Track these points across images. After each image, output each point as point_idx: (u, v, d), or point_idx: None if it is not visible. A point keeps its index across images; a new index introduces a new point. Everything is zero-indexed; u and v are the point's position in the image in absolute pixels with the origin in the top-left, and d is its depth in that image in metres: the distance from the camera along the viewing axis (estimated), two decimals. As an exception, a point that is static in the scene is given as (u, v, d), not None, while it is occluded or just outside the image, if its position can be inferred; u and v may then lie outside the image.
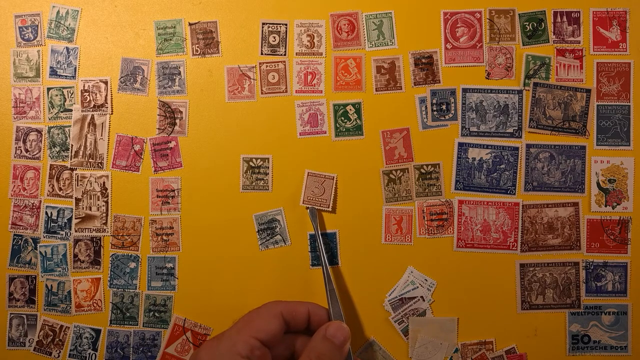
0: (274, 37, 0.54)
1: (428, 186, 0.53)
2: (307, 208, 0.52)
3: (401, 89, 0.53)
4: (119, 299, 0.54)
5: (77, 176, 0.55)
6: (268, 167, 0.54)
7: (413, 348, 0.53)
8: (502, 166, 0.53)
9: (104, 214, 0.54)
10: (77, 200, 0.55)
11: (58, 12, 0.55)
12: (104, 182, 0.55)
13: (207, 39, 0.54)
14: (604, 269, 0.52)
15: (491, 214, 0.53)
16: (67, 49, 0.55)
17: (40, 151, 0.55)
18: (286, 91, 0.54)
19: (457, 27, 0.53)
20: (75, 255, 0.55)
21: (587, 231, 0.52)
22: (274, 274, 0.53)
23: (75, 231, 0.55)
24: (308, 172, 0.53)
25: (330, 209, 0.53)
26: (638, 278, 0.52)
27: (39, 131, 0.55)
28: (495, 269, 0.53)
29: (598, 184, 0.52)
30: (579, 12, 0.53)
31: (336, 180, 0.53)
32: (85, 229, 0.55)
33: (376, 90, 0.53)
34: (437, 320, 0.53)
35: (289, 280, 0.53)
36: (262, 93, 0.54)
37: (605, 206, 0.52)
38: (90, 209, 0.55)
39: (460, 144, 0.53)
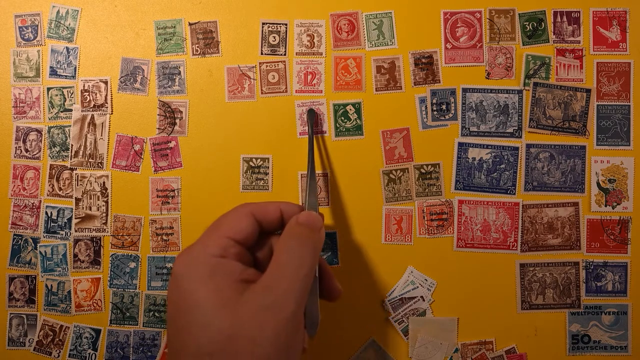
0: (274, 37, 0.54)
1: (428, 186, 0.53)
2: (307, 110, 0.52)
3: (401, 88, 0.53)
4: (119, 299, 0.54)
5: (77, 176, 0.55)
6: (268, 167, 0.54)
7: (413, 348, 0.53)
8: (502, 166, 0.53)
9: (104, 214, 0.54)
10: (77, 200, 0.55)
11: (58, 12, 0.55)
12: (104, 182, 0.55)
13: (207, 39, 0.54)
14: (604, 269, 0.52)
15: (491, 214, 0.53)
16: (67, 48, 0.55)
17: (40, 151, 0.55)
18: (286, 91, 0.54)
19: (457, 27, 0.53)
20: (75, 255, 0.55)
21: (587, 231, 0.52)
22: (274, 273, 0.53)
23: (75, 231, 0.55)
24: (301, 174, 0.53)
25: (329, 206, 0.53)
26: (638, 278, 0.52)
27: (39, 131, 0.55)
28: (495, 269, 0.53)
29: (598, 184, 0.52)
30: (579, 12, 0.53)
31: (330, 177, 0.53)
32: (85, 228, 0.55)
33: (376, 90, 0.53)
34: (437, 320, 0.53)
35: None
36: (262, 93, 0.54)
37: (605, 206, 0.52)
38: (90, 209, 0.55)
39: (460, 144, 0.53)
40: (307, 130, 0.53)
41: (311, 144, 0.49)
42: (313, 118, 0.52)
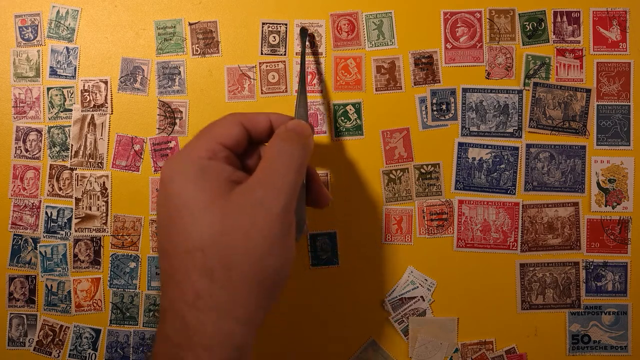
0: (274, 37, 0.54)
1: (428, 186, 0.53)
2: (300, 29, 0.52)
3: (401, 88, 0.53)
4: (119, 299, 0.54)
5: (77, 176, 0.55)
6: (268, 167, 0.54)
7: (413, 348, 0.53)
8: (502, 166, 0.53)
9: (104, 214, 0.54)
10: (77, 200, 0.55)
11: (58, 12, 0.55)
12: (104, 182, 0.55)
13: (207, 39, 0.54)
14: (604, 269, 0.52)
15: (491, 214, 0.53)
16: (67, 48, 0.55)
17: (40, 151, 0.55)
18: (286, 91, 0.54)
19: (457, 27, 0.53)
20: (75, 255, 0.55)
21: (587, 231, 0.52)
22: (274, 273, 0.53)
23: (75, 231, 0.55)
24: None
25: (330, 206, 0.53)
26: (638, 278, 0.52)
27: (39, 131, 0.55)
28: (495, 269, 0.53)
29: (598, 184, 0.52)
30: (579, 12, 0.53)
31: (330, 177, 0.53)
32: (85, 228, 0.55)
33: (376, 90, 0.53)
34: (437, 320, 0.53)
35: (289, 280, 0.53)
36: (262, 93, 0.54)
37: (605, 206, 0.52)
38: (90, 209, 0.55)
39: (460, 144, 0.53)
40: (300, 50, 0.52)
41: (303, 59, 0.48)
42: (306, 36, 0.51)
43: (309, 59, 0.54)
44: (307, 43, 0.53)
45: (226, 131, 0.36)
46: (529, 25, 0.53)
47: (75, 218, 0.55)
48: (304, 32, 0.51)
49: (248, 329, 0.32)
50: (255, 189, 0.33)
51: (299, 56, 0.53)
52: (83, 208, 0.55)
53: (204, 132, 0.36)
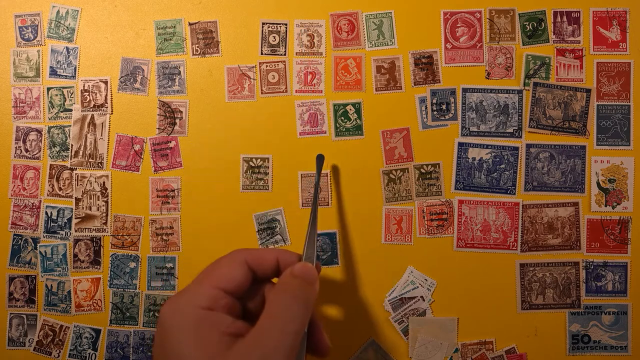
0: (274, 37, 0.54)
1: (428, 186, 0.53)
2: (317, 156, 0.51)
3: (401, 88, 0.53)
4: (119, 298, 0.54)
5: (77, 176, 0.55)
6: (268, 167, 0.54)
7: (413, 348, 0.53)
8: (502, 166, 0.53)
9: (104, 214, 0.54)
10: (77, 200, 0.55)
11: (58, 12, 0.55)
12: (104, 182, 0.55)
13: (207, 39, 0.54)
14: (604, 269, 0.52)
15: (491, 214, 0.53)
16: (67, 48, 0.55)
17: (40, 151, 0.55)
18: (286, 91, 0.54)
19: (457, 27, 0.53)
20: (75, 255, 0.55)
21: (587, 231, 0.52)
22: (274, 273, 0.53)
23: (75, 231, 0.55)
24: (301, 174, 0.53)
25: (330, 206, 0.53)
26: (638, 278, 0.52)
27: (39, 131, 0.55)
28: (495, 269, 0.53)
29: (598, 184, 0.52)
30: (579, 12, 0.53)
31: (331, 176, 0.53)
32: (85, 228, 0.55)
33: (376, 90, 0.53)
34: (437, 320, 0.53)
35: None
36: (262, 93, 0.54)
37: (605, 206, 0.52)
38: (90, 209, 0.55)
39: (460, 144, 0.53)
40: (315, 171, 0.52)
41: (316, 191, 0.48)
42: (322, 164, 0.51)
43: (310, 58, 0.54)
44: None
45: (229, 273, 0.35)
46: (529, 25, 0.53)
47: (75, 218, 0.55)
48: (320, 158, 0.50)
49: None
50: (253, 349, 0.32)
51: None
52: (83, 208, 0.55)
53: (207, 274, 0.36)
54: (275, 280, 0.38)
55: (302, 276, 0.36)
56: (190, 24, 0.55)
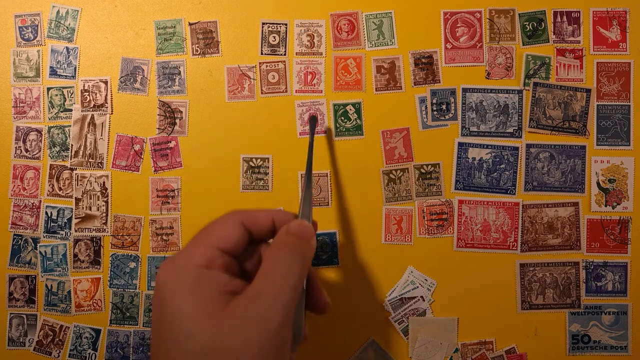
0: (274, 37, 0.54)
1: (428, 186, 0.53)
2: (309, 117, 0.51)
3: (401, 88, 0.53)
4: (119, 298, 0.54)
5: (77, 176, 0.55)
6: (268, 167, 0.54)
7: (413, 348, 0.53)
8: (502, 166, 0.53)
9: (104, 214, 0.54)
10: (77, 200, 0.55)
11: (58, 12, 0.55)
12: (104, 182, 0.55)
13: (207, 39, 0.54)
14: (604, 269, 0.52)
15: (491, 214, 0.53)
16: (67, 48, 0.55)
17: (40, 151, 0.55)
18: (286, 91, 0.54)
19: (457, 27, 0.53)
20: (75, 255, 0.55)
21: (587, 231, 0.52)
22: (274, 273, 0.53)
23: (75, 231, 0.55)
24: (301, 174, 0.53)
25: (330, 206, 0.53)
26: (638, 278, 0.52)
27: (39, 131, 0.55)
28: (495, 269, 0.53)
29: (598, 184, 0.52)
30: (579, 12, 0.53)
31: (330, 176, 0.53)
32: (85, 228, 0.55)
33: (376, 90, 0.53)
34: (437, 320, 0.53)
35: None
36: (262, 93, 0.54)
37: (605, 206, 0.52)
38: (90, 209, 0.55)
39: (460, 144, 0.53)
40: (308, 131, 0.53)
41: (311, 151, 0.48)
42: (315, 125, 0.51)
43: (310, 58, 0.54)
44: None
45: (226, 233, 0.35)
46: (529, 25, 0.53)
47: (75, 218, 0.55)
48: (312, 120, 0.51)
49: None
50: (250, 305, 0.32)
51: (308, 135, 0.52)
52: (83, 208, 0.55)
53: (203, 234, 0.36)
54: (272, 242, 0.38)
55: (298, 233, 0.36)
56: (190, 24, 0.55)
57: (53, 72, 0.55)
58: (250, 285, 0.33)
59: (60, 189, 0.55)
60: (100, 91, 0.55)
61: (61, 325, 0.55)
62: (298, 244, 0.35)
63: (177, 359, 0.31)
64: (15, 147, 0.55)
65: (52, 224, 0.55)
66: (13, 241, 0.55)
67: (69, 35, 0.55)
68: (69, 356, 0.54)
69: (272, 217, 0.38)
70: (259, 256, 0.38)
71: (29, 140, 0.55)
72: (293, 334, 0.35)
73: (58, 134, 0.55)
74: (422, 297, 0.53)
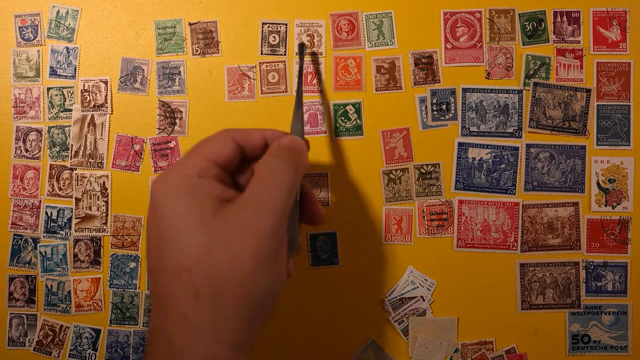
0: (274, 37, 0.54)
1: (428, 186, 0.53)
2: (298, 44, 0.52)
3: (401, 88, 0.53)
4: (119, 298, 0.54)
5: (77, 176, 0.55)
6: (268, 167, 0.54)
7: (413, 348, 0.53)
8: (502, 166, 0.53)
9: (104, 214, 0.54)
10: (77, 200, 0.55)
11: (58, 12, 0.55)
12: (104, 182, 0.55)
13: (207, 39, 0.54)
14: (604, 269, 0.52)
15: (491, 214, 0.53)
16: (67, 48, 0.55)
17: (40, 151, 0.55)
18: (286, 91, 0.54)
19: (457, 27, 0.53)
20: (75, 255, 0.55)
21: (587, 231, 0.52)
22: (274, 273, 0.53)
23: (75, 231, 0.55)
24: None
25: (330, 206, 0.53)
26: (638, 278, 0.52)
27: (39, 131, 0.55)
28: (495, 269, 0.53)
29: (598, 184, 0.52)
30: (579, 12, 0.53)
31: (330, 176, 0.53)
32: (85, 228, 0.55)
33: (376, 90, 0.53)
34: (437, 320, 0.53)
35: (288, 279, 0.53)
36: (262, 93, 0.54)
37: (605, 206, 0.52)
38: (90, 209, 0.55)
39: (460, 144, 0.53)
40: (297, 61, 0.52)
41: (300, 73, 0.48)
42: (303, 51, 0.51)
43: (310, 58, 0.54)
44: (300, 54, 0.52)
45: (218, 148, 0.36)
46: (529, 25, 0.53)
47: (75, 218, 0.55)
48: (302, 47, 0.51)
49: (236, 353, 0.31)
50: (244, 208, 0.32)
51: (298, 68, 0.53)
52: (83, 208, 0.55)
53: (195, 149, 0.36)
54: None
55: (290, 146, 0.36)
56: (190, 24, 0.55)
57: (53, 72, 0.55)
58: (244, 192, 0.33)
59: (60, 189, 0.55)
60: (100, 91, 0.55)
61: (61, 325, 0.55)
62: (291, 154, 0.35)
63: (172, 267, 0.31)
64: (15, 147, 0.55)
65: (52, 224, 0.55)
66: (13, 241, 0.55)
67: (69, 35, 0.55)
68: (69, 356, 0.54)
69: (264, 134, 0.38)
70: (252, 172, 0.38)
71: (29, 140, 0.55)
72: (288, 242, 0.35)
73: (58, 134, 0.55)
74: (422, 297, 0.53)
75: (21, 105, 0.55)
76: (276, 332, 0.53)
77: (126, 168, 0.55)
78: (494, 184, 0.53)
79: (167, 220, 0.32)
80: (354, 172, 0.53)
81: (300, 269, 0.53)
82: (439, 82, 0.53)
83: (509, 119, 0.53)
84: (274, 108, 0.54)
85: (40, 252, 0.55)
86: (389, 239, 0.53)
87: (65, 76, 0.55)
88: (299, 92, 0.45)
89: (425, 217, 0.53)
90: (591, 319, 0.52)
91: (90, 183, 0.55)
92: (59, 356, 0.55)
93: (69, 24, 0.55)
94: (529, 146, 0.53)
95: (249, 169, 0.38)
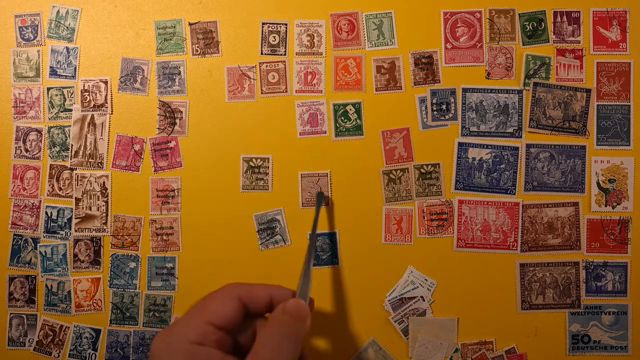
0: (274, 37, 0.54)
1: (428, 186, 0.53)
2: (317, 191, 0.52)
3: (401, 88, 0.53)
4: (119, 298, 0.54)
5: (77, 176, 0.55)
6: (268, 167, 0.54)
7: (413, 348, 0.53)
8: (502, 166, 0.53)
9: (104, 214, 0.54)
10: (77, 200, 0.55)
11: (58, 12, 0.55)
12: (104, 182, 0.55)
13: (207, 39, 0.54)
14: (604, 269, 0.52)
15: (491, 214, 0.53)
16: (67, 48, 0.55)
17: (40, 151, 0.55)
18: (286, 91, 0.54)
19: (457, 27, 0.53)
20: (75, 255, 0.55)
21: (587, 231, 0.52)
22: (274, 273, 0.53)
23: (75, 231, 0.55)
24: (302, 174, 0.53)
25: (329, 205, 0.53)
26: (638, 278, 0.52)
27: (39, 131, 0.55)
28: (495, 269, 0.53)
29: (598, 184, 0.52)
30: (579, 12, 0.53)
31: (330, 176, 0.53)
32: (85, 228, 0.55)
33: (376, 90, 0.53)
34: (437, 320, 0.53)
35: (288, 280, 0.53)
36: (262, 93, 0.54)
37: (605, 206, 0.52)
38: (90, 209, 0.55)
39: (460, 144, 0.53)
40: (314, 203, 0.52)
41: (315, 226, 0.48)
42: (321, 200, 0.51)
43: (309, 58, 0.54)
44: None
45: (221, 309, 0.36)
46: (529, 25, 0.53)
47: (75, 218, 0.55)
48: (320, 196, 0.51)
49: None
50: None
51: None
52: (83, 208, 0.55)
53: (199, 308, 0.36)
54: (268, 315, 0.38)
55: (294, 313, 0.36)
56: (190, 24, 0.55)
57: (53, 72, 0.55)
58: None
59: (60, 189, 0.55)
60: (100, 91, 0.55)
61: (61, 325, 0.55)
62: (292, 323, 0.36)
63: None
64: (15, 147, 0.55)
65: (52, 224, 0.55)
66: (13, 241, 0.55)
67: (69, 35, 0.55)
68: (69, 356, 0.54)
69: (270, 293, 0.38)
70: (254, 330, 0.38)
71: (29, 140, 0.55)
72: None
73: (58, 134, 0.55)
74: (422, 297, 0.53)
75: (21, 105, 0.55)
76: (276, 332, 0.53)
77: (126, 168, 0.55)
78: (494, 184, 0.53)
79: None
80: (354, 172, 0.53)
81: (300, 268, 0.53)
82: (439, 82, 0.53)
83: (509, 119, 0.53)
84: (273, 108, 0.54)
85: (40, 252, 0.55)
86: (389, 239, 0.53)
87: (65, 76, 0.55)
88: (312, 245, 0.45)
89: (425, 217, 0.53)
90: (591, 319, 0.52)
91: (90, 183, 0.55)
92: (59, 356, 0.55)
93: (69, 24, 0.55)
94: (529, 146, 0.53)
95: (252, 327, 0.38)
